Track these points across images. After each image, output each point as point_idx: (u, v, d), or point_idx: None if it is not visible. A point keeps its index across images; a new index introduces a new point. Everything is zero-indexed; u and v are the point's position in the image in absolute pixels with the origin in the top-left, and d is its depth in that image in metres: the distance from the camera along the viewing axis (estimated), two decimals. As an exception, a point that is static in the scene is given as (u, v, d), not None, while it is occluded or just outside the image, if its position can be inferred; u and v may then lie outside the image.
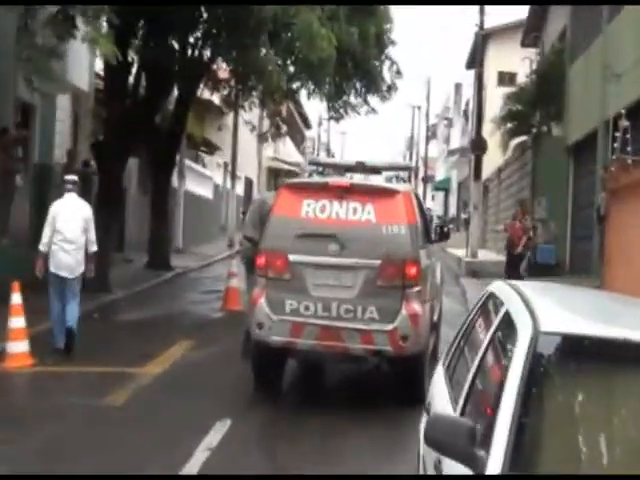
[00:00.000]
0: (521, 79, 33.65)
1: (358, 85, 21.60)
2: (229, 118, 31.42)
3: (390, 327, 8.71)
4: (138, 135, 17.35)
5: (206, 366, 10.78)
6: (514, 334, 3.70)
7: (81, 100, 24.80)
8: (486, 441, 3.28)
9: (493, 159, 32.22)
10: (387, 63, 21.18)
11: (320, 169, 10.51)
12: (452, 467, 3.49)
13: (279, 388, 9.53)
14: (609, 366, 3.55)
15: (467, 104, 48.09)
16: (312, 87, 20.58)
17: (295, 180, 9.45)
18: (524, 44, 33.44)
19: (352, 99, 22.71)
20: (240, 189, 39.43)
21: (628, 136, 14.45)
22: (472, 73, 46.46)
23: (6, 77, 18.44)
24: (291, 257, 8.93)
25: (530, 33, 31.93)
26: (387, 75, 21.42)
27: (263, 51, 16.20)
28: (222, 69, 21.97)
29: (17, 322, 10.65)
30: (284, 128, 29.31)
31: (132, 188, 24.57)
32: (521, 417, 3.27)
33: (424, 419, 5.08)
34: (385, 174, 10.58)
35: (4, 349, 10.54)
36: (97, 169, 16.79)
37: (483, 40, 38.79)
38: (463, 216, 33.22)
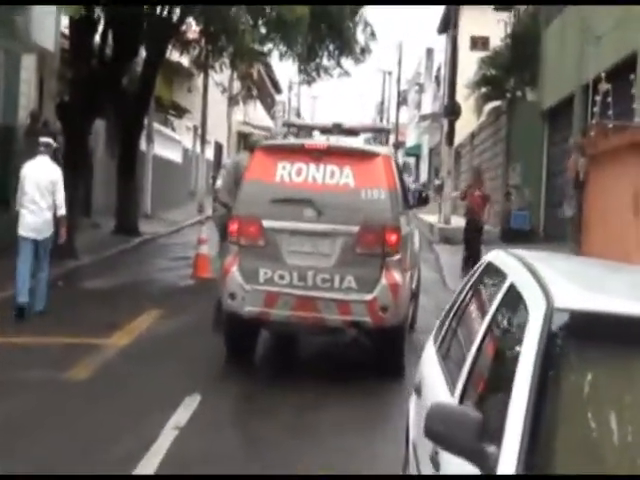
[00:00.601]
0: (494, 43, 33.26)
1: (331, 47, 21.01)
2: (199, 80, 30.72)
3: (369, 297, 8.28)
4: (105, 96, 16.71)
5: (175, 337, 10.30)
6: (523, 311, 3.26)
7: (46, 60, 24.02)
8: (496, 435, 2.85)
9: (466, 125, 31.80)
10: (361, 25, 20.61)
11: (295, 131, 10.00)
12: (452, 462, 3.07)
13: (252, 360, 9.09)
14: (632, 346, 3.12)
15: (439, 69, 47.53)
16: (284, 49, 19.98)
17: (270, 142, 8.96)
18: (497, 8, 32.94)
19: (325, 62, 22.13)
20: (210, 153, 38.76)
21: (609, 100, 14.02)
22: (444, 38, 45.96)
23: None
24: (265, 223, 8.46)
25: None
26: (361, 37, 20.86)
27: (233, 9, 15.60)
28: (191, 30, 21.29)
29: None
30: (255, 91, 28.54)
31: (99, 151, 23.89)
32: (537, 406, 2.83)
33: (413, 399, 4.66)
34: (363, 136, 10.10)
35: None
36: (62, 130, 16.11)
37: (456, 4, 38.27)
38: (436, 182, 32.85)
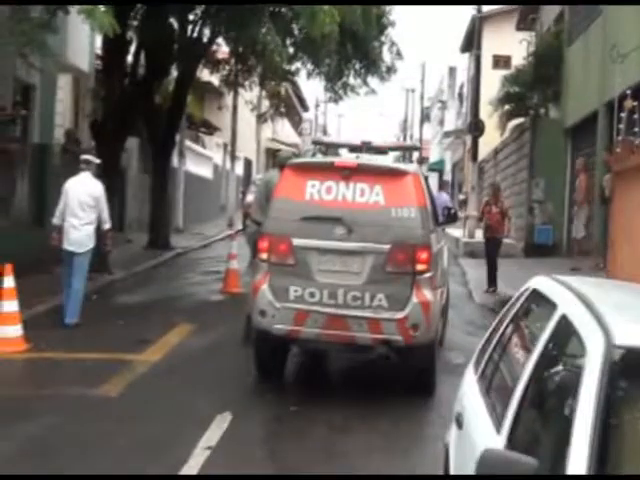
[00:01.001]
0: (516, 62, 32.82)
1: (358, 66, 20.69)
2: (228, 99, 30.51)
3: (400, 315, 7.93)
4: (137, 115, 16.48)
5: (206, 354, 9.99)
6: (578, 346, 2.92)
7: (81, 80, 23.93)
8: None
9: (490, 141, 31.35)
10: (387, 44, 20.30)
11: (324, 149, 9.69)
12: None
13: (281, 378, 8.76)
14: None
15: (461, 87, 47.15)
16: (312, 67, 19.71)
17: (299, 160, 8.65)
18: (519, 28, 32.48)
19: (351, 80, 21.81)
20: (239, 169, 38.57)
21: (635, 116, 13.61)
22: (466, 57, 45.59)
23: (5, 57, 17.61)
24: (295, 241, 8.14)
25: (526, 17, 31.02)
26: (387, 57, 20.55)
27: (263, 30, 15.33)
28: (221, 50, 21.07)
29: (9, 306, 9.87)
30: (283, 109, 28.28)
31: (132, 168, 23.74)
32: (600, 454, 2.50)
33: (452, 430, 4.31)
34: (392, 155, 9.77)
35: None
36: (96, 149, 15.90)
37: (479, 23, 37.88)
38: (460, 197, 32.43)
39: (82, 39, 22.49)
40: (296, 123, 59.00)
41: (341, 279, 8.06)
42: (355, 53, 19.78)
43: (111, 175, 15.66)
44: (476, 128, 25.42)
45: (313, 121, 64.68)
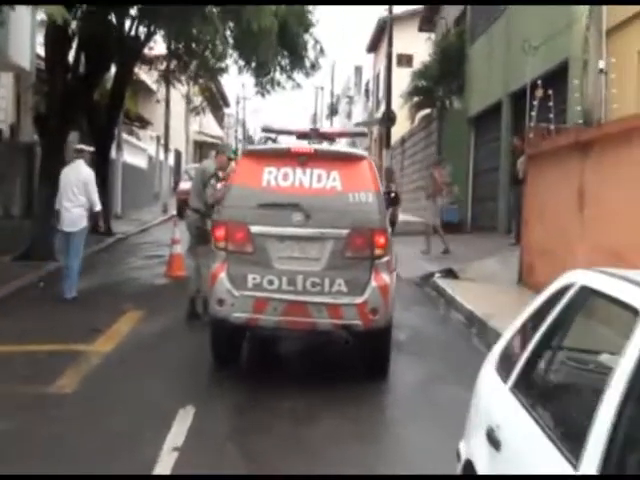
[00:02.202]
0: (417, 61, 32.19)
1: (285, 62, 19.47)
2: (159, 94, 28.85)
3: (359, 300, 6.92)
4: (79, 109, 14.96)
5: (158, 341, 8.77)
6: None
7: (22, 78, 22.08)
8: None
9: (398, 130, 30.69)
10: (312, 42, 19.15)
11: (273, 136, 8.57)
12: None
13: (238, 365, 7.65)
14: None
15: (367, 84, 46.33)
16: (243, 63, 18.44)
17: (255, 146, 7.54)
18: (422, 29, 31.86)
19: (277, 75, 20.59)
20: (171, 160, 36.90)
21: (550, 103, 12.88)
22: (372, 56, 44.77)
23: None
24: (253, 228, 7.02)
25: (429, 19, 30.37)
26: (312, 53, 19.38)
27: (200, 27, 13.98)
28: (156, 47, 19.53)
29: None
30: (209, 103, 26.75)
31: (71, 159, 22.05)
32: None
33: (482, 449, 3.28)
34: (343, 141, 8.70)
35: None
36: (40, 142, 14.38)
37: (383, 26, 37.03)
38: None
39: (23, 37, 20.64)
40: (219, 117, 57.27)
41: (300, 265, 6.99)
42: (283, 49, 18.57)
43: (54, 167, 14.12)
44: (389, 118, 24.58)
45: (234, 115, 63.06)
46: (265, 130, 8.92)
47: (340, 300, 6.91)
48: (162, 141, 31.08)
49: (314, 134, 8.39)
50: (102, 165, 19.12)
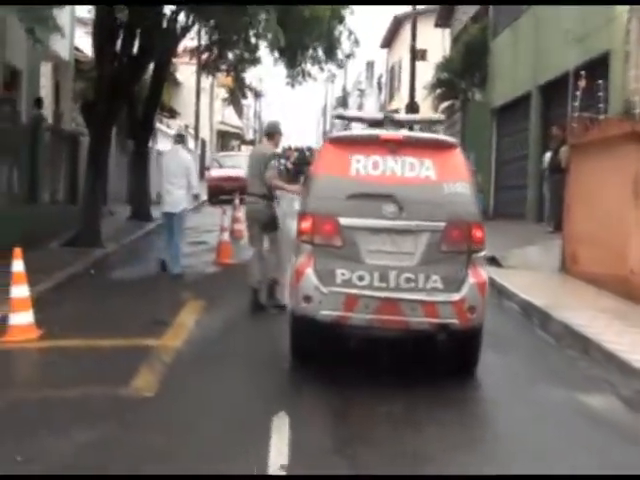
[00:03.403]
0: (431, 55, 31.07)
1: (319, 52, 18.36)
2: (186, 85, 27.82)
3: (456, 297, 5.96)
4: (124, 98, 13.94)
5: (228, 336, 7.79)
6: None
7: (61, 69, 21.07)
8: None
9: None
10: (346, 32, 18.04)
11: (346, 123, 7.58)
12: None
13: (318, 363, 6.67)
14: None
15: (380, 78, 45.16)
16: (278, 55, 17.38)
17: (340, 133, 6.57)
18: (437, 25, 30.73)
19: (309, 66, 19.52)
20: (198, 148, 35.85)
21: (600, 94, 11.88)
22: (384, 52, 43.56)
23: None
24: (342, 221, 6.04)
25: (446, 15, 29.24)
26: (346, 45, 18.29)
27: (245, 18, 12.90)
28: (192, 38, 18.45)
29: (20, 291, 7.50)
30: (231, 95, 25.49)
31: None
32: None
33: None
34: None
35: (6, 321, 7.45)
36: (87, 129, 13.39)
37: (399, 22, 35.93)
38: None
39: (63, 29, 19.65)
40: (239, 109, 56.06)
41: (392, 260, 6.02)
42: (319, 39, 17.47)
43: (101, 153, 13.18)
44: (412, 109, 23.49)
45: (253, 107, 61.89)
46: (337, 117, 7.93)
47: (436, 297, 5.96)
48: (190, 130, 30.05)
49: (388, 121, 7.38)
50: (142, 154, 18.19)
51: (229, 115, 48.38)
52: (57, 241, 13.25)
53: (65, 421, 5.22)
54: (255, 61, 18.69)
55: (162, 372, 6.37)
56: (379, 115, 7.58)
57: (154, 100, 17.76)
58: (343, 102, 63.82)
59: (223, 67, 18.05)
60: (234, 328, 8.08)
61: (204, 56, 18.06)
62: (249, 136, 56.56)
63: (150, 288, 10.25)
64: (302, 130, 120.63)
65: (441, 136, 6.50)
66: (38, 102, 15.36)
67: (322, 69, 19.54)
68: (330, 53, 18.07)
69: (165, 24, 14.59)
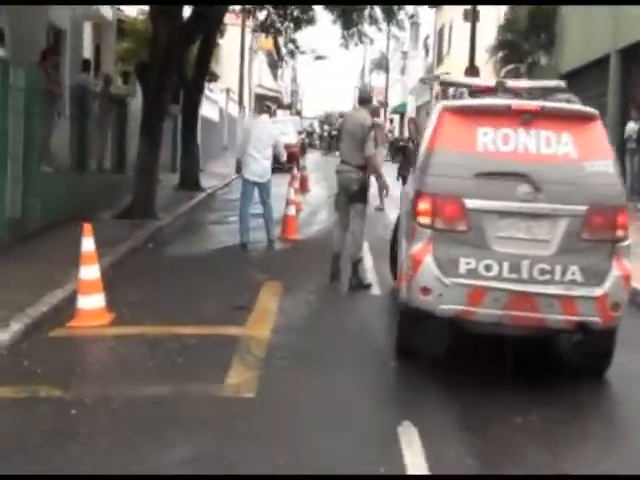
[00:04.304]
0: (482, 15, 29.94)
1: (378, 11, 17.53)
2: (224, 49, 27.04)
3: (599, 292, 5.34)
4: (179, 60, 13.32)
5: (317, 323, 7.26)
6: None
7: (103, 29, 20.51)
8: None
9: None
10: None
11: (456, 90, 6.93)
12: None
13: (426, 360, 6.11)
14: None
15: (426, 39, 43.93)
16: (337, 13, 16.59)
17: (462, 101, 5.94)
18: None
19: (366, 27, 18.72)
20: (236, 112, 35.22)
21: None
22: (432, 11, 42.24)
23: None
24: (468, 202, 5.43)
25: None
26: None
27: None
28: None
29: (90, 272, 7.02)
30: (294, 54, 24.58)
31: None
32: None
33: None
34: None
35: (74, 304, 7.00)
36: (142, 92, 12.82)
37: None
38: None
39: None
40: (274, 72, 55.18)
41: (525, 248, 5.40)
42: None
43: (156, 117, 12.61)
44: (472, 74, 22.58)
45: (288, 70, 60.88)
46: (443, 83, 7.27)
47: (575, 292, 5.34)
48: (231, 94, 29.41)
49: (501, 88, 6.71)
50: (191, 120, 17.63)
51: (266, 78, 47.58)
52: (108, 212, 12.81)
53: (158, 426, 4.73)
54: (311, 20, 17.92)
55: (257, 367, 5.85)
56: (490, 82, 6.89)
57: (204, 64, 17.10)
58: (381, 65, 62.66)
59: (279, 27, 17.25)
60: (322, 315, 7.55)
61: (259, 15, 17.26)
62: (287, 99, 55.73)
63: (216, 266, 9.74)
64: (336, 94, 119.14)
65: (580, 106, 5.80)
66: (85, 64, 14.84)
67: (380, 29, 18.73)
68: (390, 12, 17.20)
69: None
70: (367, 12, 17.89)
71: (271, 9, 16.60)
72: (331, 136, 34.27)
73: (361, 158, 8.32)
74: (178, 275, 9.11)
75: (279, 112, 50.67)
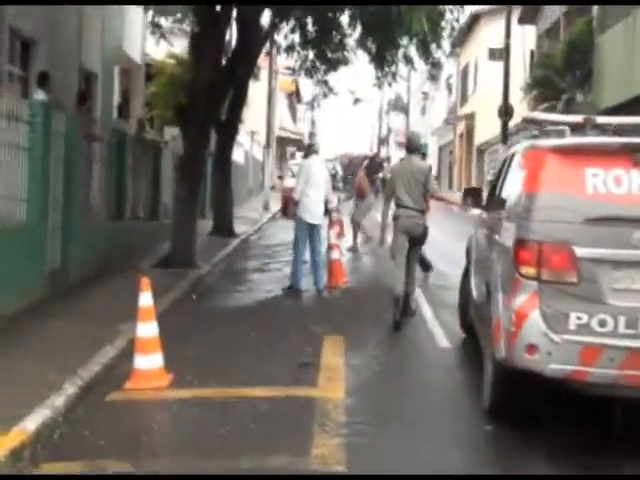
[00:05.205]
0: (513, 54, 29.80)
1: (412, 51, 17.24)
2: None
3: None
4: (221, 102, 13.03)
5: (391, 382, 6.74)
6: None
7: (132, 71, 20.46)
8: None
9: (486, 128, 28.49)
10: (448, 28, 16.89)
11: (535, 130, 6.51)
12: None
13: (527, 425, 5.58)
14: None
15: (449, 78, 43.87)
16: (374, 51, 16.33)
17: (567, 140, 5.51)
18: (521, 21, 29.40)
19: (400, 67, 18.41)
20: (259, 155, 35.11)
21: None
22: (451, 52, 42.25)
23: (72, 45, 14.25)
24: (579, 251, 4.97)
25: (529, 12, 27.95)
26: (446, 41, 17.14)
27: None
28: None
29: (148, 329, 6.59)
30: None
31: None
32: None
33: None
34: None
35: (126, 363, 6.57)
36: (182, 137, 12.51)
37: (475, 19, 34.76)
38: (488, 178, 29.39)
39: (135, 30, 19.08)
40: (293, 114, 55.36)
41: (644, 301, 4.92)
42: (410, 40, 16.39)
43: (198, 166, 12.27)
44: (506, 112, 22.35)
45: (309, 114, 61.02)
46: (527, 121, 6.86)
47: (702, 350, 4.83)
48: (256, 137, 29.29)
49: (589, 125, 6.28)
50: (225, 164, 17.34)
51: (286, 120, 47.67)
52: (146, 261, 12.43)
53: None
54: (344, 62, 17.67)
55: (339, 435, 5.34)
56: (578, 118, 6.46)
57: (238, 106, 16.83)
58: (397, 105, 62.72)
59: (320, 67, 17.00)
60: (393, 371, 7.05)
61: (296, 57, 16.98)
62: (306, 142, 55.73)
63: (269, 317, 9.28)
64: (353, 135, 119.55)
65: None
66: (120, 110, 14.65)
67: (414, 69, 18.46)
68: (425, 51, 16.88)
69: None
70: (401, 52, 17.62)
71: (309, 50, 16.36)
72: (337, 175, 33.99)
73: (423, 203, 8.80)
74: (231, 328, 8.65)
75: (297, 154, 50.69)
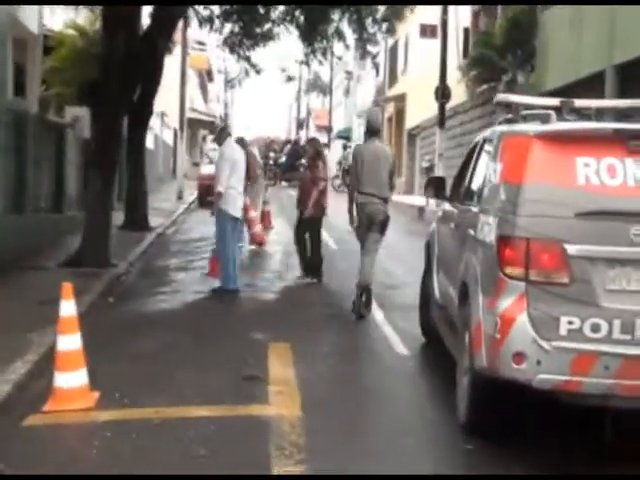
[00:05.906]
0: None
1: (345, 26, 17.15)
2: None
3: None
4: (139, 77, 12.53)
5: (351, 394, 6.57)
6: None
7: (27, 44, 19.49)
8: None
9: (422, 109, 28.62)
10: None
11: (509, 113, 6.39)
12: None
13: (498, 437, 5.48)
14: None
15: (375, 57, 43.88)
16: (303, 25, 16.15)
17: (555, 126, 5.36)
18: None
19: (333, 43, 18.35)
20: (170, 139, 34.42)
21: None
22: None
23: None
24: (570, 248, 4.88)
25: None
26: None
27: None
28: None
29: (69, 342, 6.18)
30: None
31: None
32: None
33: None
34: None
35: (40, 380, 6.19)
36: (93, 116, 11.99)
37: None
38: (423, 164, 29.42)
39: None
40: (204, 94, 54.56)
41: (641, 304, 4.88)
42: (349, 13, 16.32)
43: (112, 147, 11.76)
44: (443, 95, 22.50)
45: (221, 92, 60.37)
46: (499, 104, 6.74)
47: (702, 357, 4.82)
48: (166, 119, 28.63)
49: (566, 108, 6.24)
50: (138, 149, 16.76)
51: (197, 100, 46.89)
52: (52, 260, 11.88)
53: None
54: (270, 36, 17.38)
55: (303, 461, 5.10)
56: (554, 101, 6.40)
57: (153, 82, 16.28)
58: (316, 85, 62.76)
59: (247, 43, 16.62)
60: (352, 383, 6.88)
61: (224, 30, 16.54)
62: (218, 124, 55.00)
63: (202, 322, 8.95)
64: (268, 117, 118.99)
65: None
66: (19, 86, 13.93)
67: (347, 47, 18.41)
68: (361, 27, 16.81)
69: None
70: (332, 27, 17.52)
71: (238, 22, 15.97)
72: (277, 165, 33.68)
73: (387, 191, 9.06)
74: (158, 336, 8.29)
75: (208, 139, 49.94)
